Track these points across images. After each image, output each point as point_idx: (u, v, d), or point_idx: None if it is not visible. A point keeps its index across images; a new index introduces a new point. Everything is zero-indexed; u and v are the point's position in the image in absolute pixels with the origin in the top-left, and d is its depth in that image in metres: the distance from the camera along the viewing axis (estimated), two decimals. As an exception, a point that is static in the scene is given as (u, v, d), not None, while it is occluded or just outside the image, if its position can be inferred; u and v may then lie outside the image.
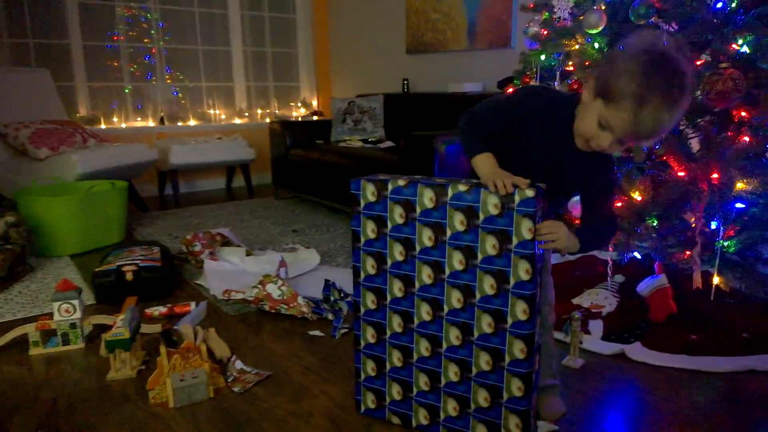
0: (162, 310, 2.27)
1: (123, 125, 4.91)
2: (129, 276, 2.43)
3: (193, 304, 2.29)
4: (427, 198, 1.31)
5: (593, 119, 1.21)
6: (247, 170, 5.02)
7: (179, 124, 5.16)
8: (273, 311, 2.26)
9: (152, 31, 4.93)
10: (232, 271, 2.66)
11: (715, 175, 1.67)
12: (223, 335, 2.06)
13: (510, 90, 2.48)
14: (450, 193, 1.28)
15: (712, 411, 1.55)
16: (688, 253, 1.74)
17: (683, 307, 2.00)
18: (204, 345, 1.76)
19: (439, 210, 1.30)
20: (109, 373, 1.80)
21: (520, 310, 1.26)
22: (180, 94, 5.13)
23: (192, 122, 5.22)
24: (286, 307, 2.23)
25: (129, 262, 2.49)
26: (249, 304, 2.32)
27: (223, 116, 5.39)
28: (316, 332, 2.11)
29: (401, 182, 1.34)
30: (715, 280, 1.83)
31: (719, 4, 1.78)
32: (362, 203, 1.39)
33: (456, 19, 4.21)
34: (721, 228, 1.75)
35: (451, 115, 3.76)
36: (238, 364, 1.84)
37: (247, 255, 2.84)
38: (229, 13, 5.25)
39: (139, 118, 5.00)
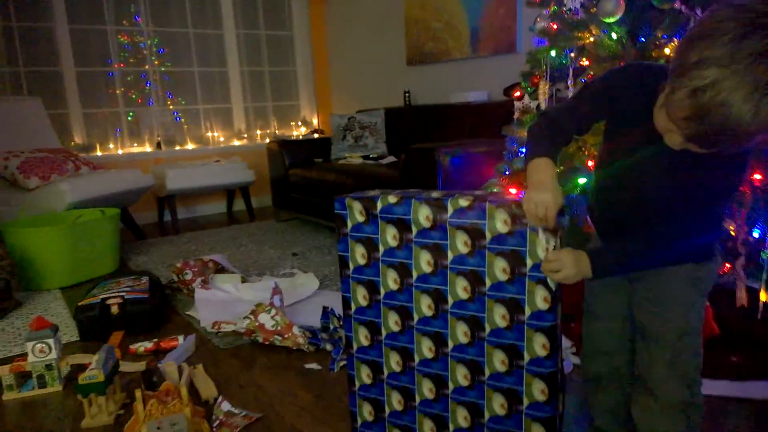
0: (147, 345, 2.10)
1: (119, 152, 4.79)
2: (114, 309, 2.26)
3: (181, 338, 2.12)
4: (423, 216, 1.12)
5: (661, 105, 0.92)
6: (247, 193, 4.87)
7: (177, 148, 5.03)
8: (267, 343, 2.07)
9: (152, 57, 4.84)
10: (225, 300, 2.48)
11: (757, 176, 1.49)
12: (211, 371, 1.88)
13: (517, 94, 2.31)
14: (450, 209, 1.10)
15: None
16: (729, 266, 1.54)
17: (726, 328, 1.82)
18: (185, 388, 1.58)
19: (438, 230, 1.11)
20: (84, 420, 1.63)
21: (538, 345, 1.06)
22: (182, 119, 5.02)
23: (190, 146, 5.09)
24: (280, 338, 2.05)
25: (114, 294, 2.33)
26: (241, 336, 2.14)
27: (221, 138, 5.26)
28: (313, 365, 1.92)
29: (392, 199, 1.16)
30: (762, 296, 1.64)
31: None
32: (349, 224, 1.21)
33: (457, 26, 4.06)
34: (767, 236, 1.56)
35: (456, 125, 3.62)
36: (225, 406, 1.66)
37: (242, 282, 2.67)
38: (225, 33, 5.14)
39: (135, 144, 4.88)
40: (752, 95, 0.77)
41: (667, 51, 1.74)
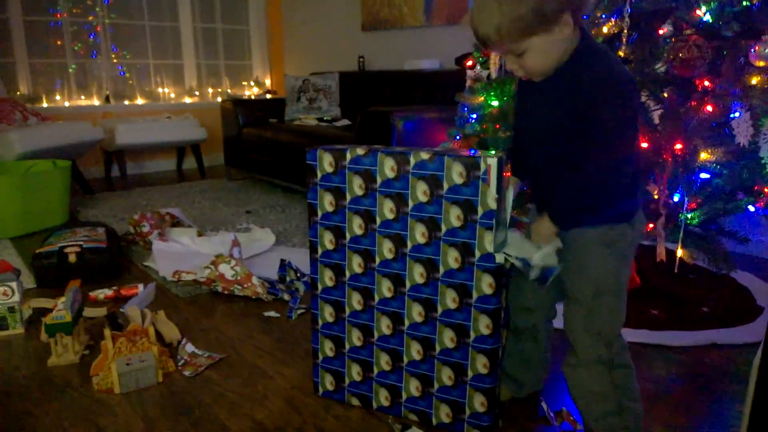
0: (107, 293, 2.15)
1: (66, 104, 4.65)
2: (72, 258, 2.29)
3: (140, 287, 2.18)
4: (388, 167, 1.24)
5: None
6: (198, 151, 4.84)
7: (126, 102, 4.92)
8: (226, 292, 2.16)
9: (96, 8, 4.67)
10: (183, 252, 2.54)
11: (678, 146, 1.65)
12: (173, 318, 1.96)
13: (469, 63, 2.43)
14: (412, 161, 1.22)
15: (673, 385, 1.55)
16: (651, 225, 1.72)
17: (646, 280, 2.01)
18: (152, 328, 1.66)
19: (400, 180, 1.24)
20: (50, 358, 1.69)
21: (485, 285, 1.21)
22: (127, 73, 4.88)
23: (139, 101, 4.99)
24: (239, 287, 2.14)
25: (72, 243, 2.35)
26: (201, 286, 2.22)
27: (172, 95, 5.17)
28: (272, 313, 2.03)
29: (360, 151, 1.27)
30: (679, 253, 1.83)
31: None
32: (319, 174, 1.32)
33: (413, -6, 4.14)
34: (685, 200, 1.74)
35: (409, 92, 3.72)
36: (189, 347, 1.75)
37: (199, 236, 2.73)
38: (178, -14, 5.02)
39: (83, 97, 4.74)
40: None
41: (605, 30, 1.90)
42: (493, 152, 1.24)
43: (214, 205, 3.66)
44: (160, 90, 5.11)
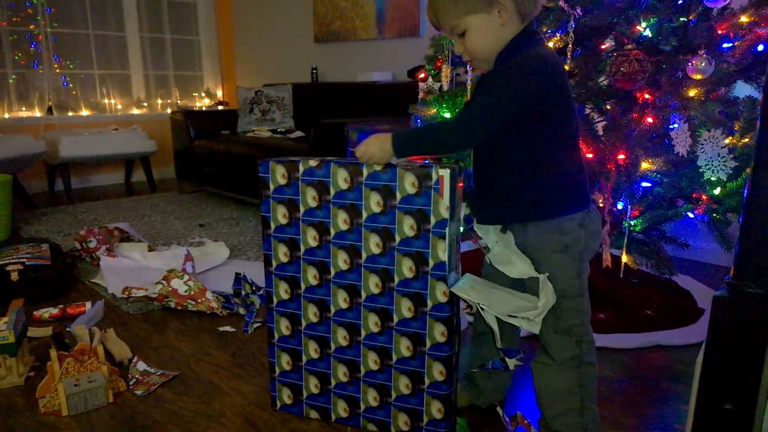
0: (53, 311, 2.07)
1: (6, 115, 4.47)
2: (14, 276, 2.20)
3: (88, 305, 2.11)
4: (341, 178, 1.25)
5: None
6: (148, 163, 4.73)
7: (70, 114, 4.76)
8: (179, 308, 2.12)
9: (38, 17, 4.51)
10: (133, 268, 2.47)
11: (621, 156, 1.71)
12: (123, 336, 1.90)
13: (422, 75, 2.47)
14: (365, 172, 1.23)
15: (621, 386, 1.61)
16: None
17: (593, 286, 2.07)
18: (101, 347, 1.61)
19: (354, 191, 1.25)
20: (-8, 382, 1.61)
21: (439, 293, 1.23)
22: (71, 84, 4.73)
23: (84, 112, 4.84)
24: (193, 302, 2.10)
25: (14, 260, 2.25)
26: (152, 302, 2.16)
27: (119, 106, 5.04)
28: (227, 328, 2.00)
29: (313, 163, 1.27)
30: (624, 258, 1.89)
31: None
32: (272, 187, 1.31)
33: (364, 7, 4.17)
34: (629, 207, 1.81)
35: (362, 104, 3.75)
36: (141, 366, 1.70)
37: (150, 250, 2.66)
38: (123, -5, 4.90)
39: (24, 108, 4.56)
40: None
41: (551, 44, 1.96)
42: (446, 163, 1.27)
43: (166, 219, 3.58)
44: (106, 101, 4.97)
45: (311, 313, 1.36)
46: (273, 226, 1.34)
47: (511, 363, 1.20)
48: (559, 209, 1.18)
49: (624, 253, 1.92)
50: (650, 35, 1.81)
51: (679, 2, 1.83)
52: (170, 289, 2.11)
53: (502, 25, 1.13)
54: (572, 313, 1.22)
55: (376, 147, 1.19)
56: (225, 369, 1.72)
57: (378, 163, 1.21)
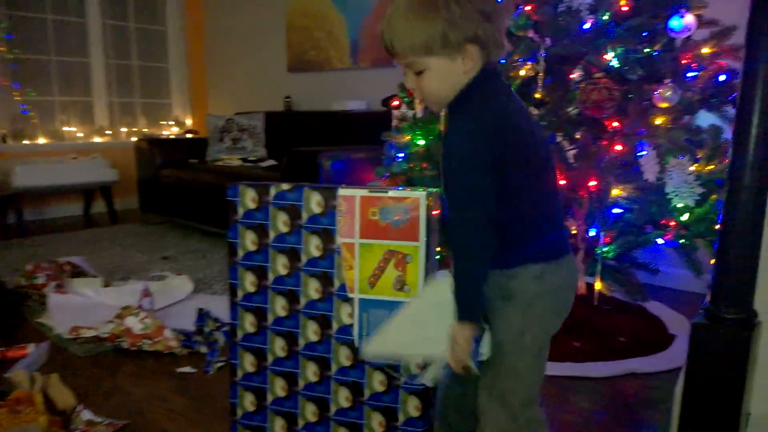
0: (-9, 355, 1.88)
1: (-45, 144, 4.25)
2: (-50, 316, 2.00)
3: (31, 347, 1.93)
4: (314, 202, 1.17)
5: None
6: (109, 193, 4.54)
7: (25, 142, 4.56)
8: (134, 348, 1.96)
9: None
10: (84, 305, 2.30)
11: (593, 183, 1.73)
12: (69, 381, 1.73)
13: (395, 103, 2.43)
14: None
15: (597, 415, 1.58)
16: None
17: (570, 314, 2.04)
18: (40, 394, 1.45)
19: (327, 216, 1.17)
20: None
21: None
22: (31, 112, 4.54)
23: (41, 140, 4.64)
24: (149, 342, 1.94)
25: (-48, 298, 2.06)
26: (103, 342, 1.99)
27: (80, 134, 4.85)
28: (187, 369, 1.85)
29: (285, 186, 1.20)
30: (597, 285, 1.89)
31: (588, 22, 1.88)
32: (240, 211, 1.23)
33: (339, 38, 4.16)
34: (601, 234, 1.82)
35: (336, 132, 3.67)
36: (86, 414, 1.54)
37: (105, 286, 2.49)
38: (89, 21, 4.78)
39: (-26, 136, 4.35)
40: None
41: (522, 73, 1.94)
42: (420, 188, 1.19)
43: (127, 253, 3.40)
44: (65, 129, 4.78)
45: (278, 347, 1.27)
46: (240, 253, 1.25)
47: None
48: (508, 261, 1.02)
49: (598, 280, 1.91)
50: (617, 65, 1.84)
51: (644, 33, 1.87)
52: (123, 327, 1.95)
53: (464, 73, 1.00)
54: (509, 376, 1.04)
55: (456, 343, 0.99)
56: (181, 415, 1.57)
57: (467, 348, 1.00)
